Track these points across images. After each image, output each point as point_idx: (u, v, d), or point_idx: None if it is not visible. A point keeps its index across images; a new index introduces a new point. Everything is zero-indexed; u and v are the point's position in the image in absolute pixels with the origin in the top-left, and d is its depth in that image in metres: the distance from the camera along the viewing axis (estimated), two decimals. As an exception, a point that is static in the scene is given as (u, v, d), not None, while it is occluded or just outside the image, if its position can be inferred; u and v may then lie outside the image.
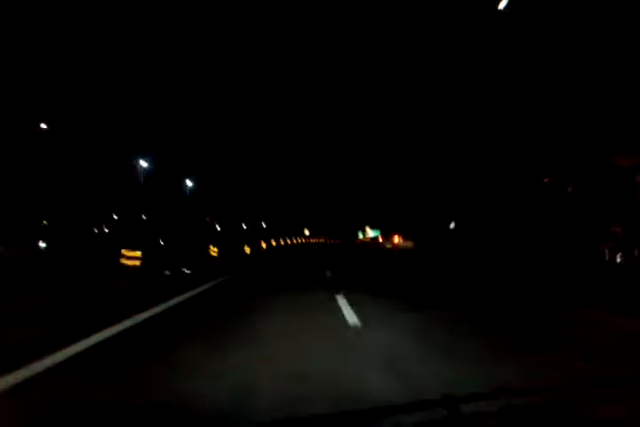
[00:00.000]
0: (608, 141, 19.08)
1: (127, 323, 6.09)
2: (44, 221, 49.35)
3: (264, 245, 35.97)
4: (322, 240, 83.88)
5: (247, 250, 27.56)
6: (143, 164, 31.73)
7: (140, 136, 56.46)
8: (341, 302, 7.88)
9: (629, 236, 16.60)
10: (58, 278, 11.90)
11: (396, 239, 36.02)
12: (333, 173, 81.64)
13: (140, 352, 4.72)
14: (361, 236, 75.46)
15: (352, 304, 7.46)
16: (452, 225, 27.67)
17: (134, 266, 14.91)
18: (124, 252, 15.16)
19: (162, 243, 33.33)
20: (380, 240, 37.59)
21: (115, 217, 61.30)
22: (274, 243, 44.30)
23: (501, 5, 20.47)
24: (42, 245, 41.43)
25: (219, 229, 71.99)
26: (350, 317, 6.46)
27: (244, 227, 79.48)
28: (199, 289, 10.25)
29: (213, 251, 23.50)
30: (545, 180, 23.57)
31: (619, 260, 16.04)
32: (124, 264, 14.89)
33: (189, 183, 42.38)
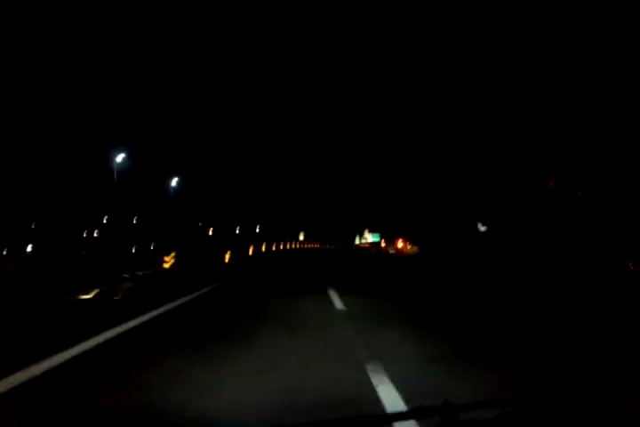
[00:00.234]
0: (623, 139, 17.79)
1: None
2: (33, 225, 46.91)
3: (251, 250, 32.61)
4: (317, 245, 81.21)
5: (226, 258, 23.24)
6: (118, 158, 28.38)
7: (131, 136, 53.36)
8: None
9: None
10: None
11: (400, 244, 33.45)
12: (330, 175, 79.10)
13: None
14: (357, 241, 72.94)
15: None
16: (483, 228, 24.46)
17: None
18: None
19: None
20: (383, 245, 34.98)
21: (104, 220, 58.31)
22: (263, 248, 41.39)
23: None
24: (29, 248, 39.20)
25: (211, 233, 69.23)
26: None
27: (237, 231, 76.69)
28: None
29: (166, 261, 18.48)
30: (550, 182, 22.19)
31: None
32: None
33: (174, 183, 39.17)
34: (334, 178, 76.23)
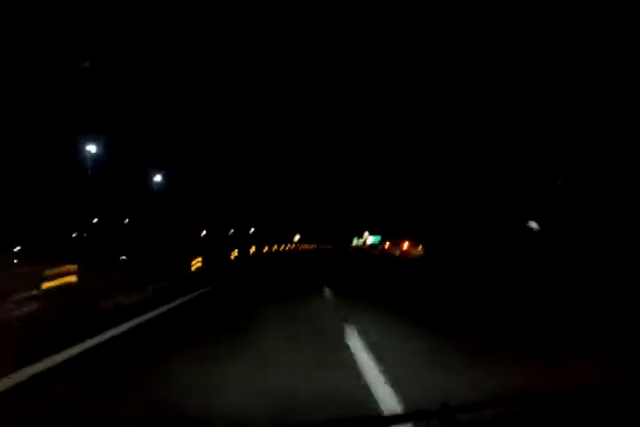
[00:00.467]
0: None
1: None
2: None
3: (234, 254, 29.42)
4: (313, 246, 78.56)
5: (195, 266, 18.94)
6: (92, 149, 25.28)
7: (125, 135, 49.91)
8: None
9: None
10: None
11: (406, 245, 30.85)
12: (328, 174, 76.39)
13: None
14: (355, 242, 70.37)
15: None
16: (534, 225, 21.17)
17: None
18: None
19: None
20: (387, 247, 32.31)
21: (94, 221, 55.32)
22: (252, 250, 38.27)
23: None
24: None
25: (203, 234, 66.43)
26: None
27: (230, 232, 73.90)
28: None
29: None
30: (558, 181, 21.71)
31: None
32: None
33: (158, 178, 35.97)
34: (331, 177, 73.52)
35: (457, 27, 32.12)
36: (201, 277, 16.47)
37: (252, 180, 69.47)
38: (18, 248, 38.72)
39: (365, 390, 3.52)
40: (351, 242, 70.69)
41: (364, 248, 41.60)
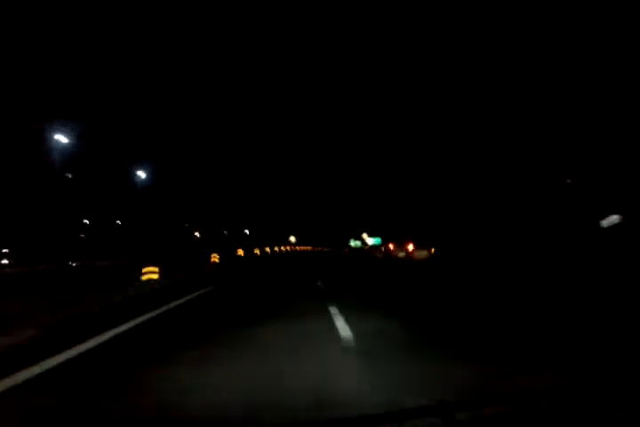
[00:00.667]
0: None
1: None
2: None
3: (215, 259, 25.19)
4: (308, 248, 77.79)
5: (152, 275, 14.63)
6: (62, 139, 23.13)
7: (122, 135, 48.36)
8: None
9: None
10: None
11: (411, 247, 30.31)
12: (324, 174, 75.63)
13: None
14: (353, 244, 69.67)
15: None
16: (616, 219, 19.00)
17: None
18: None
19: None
20: (392, 248, 31.70)
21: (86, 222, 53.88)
22: (240, 252, 34.82)
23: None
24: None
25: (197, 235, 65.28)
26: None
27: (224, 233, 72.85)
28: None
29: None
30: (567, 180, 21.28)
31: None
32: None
33: (142, 174, 34.32)
34: (327, 177, 72.85)
35: (460, 27, 33.24)
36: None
37: (247, 179, 68.49)
38: (5, 250, 37.23)
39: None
40: (347, 242, 70.07)
41: (365, 249, 40.96)
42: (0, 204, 34.29)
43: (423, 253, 29.25)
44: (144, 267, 14.15)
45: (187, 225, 63.42)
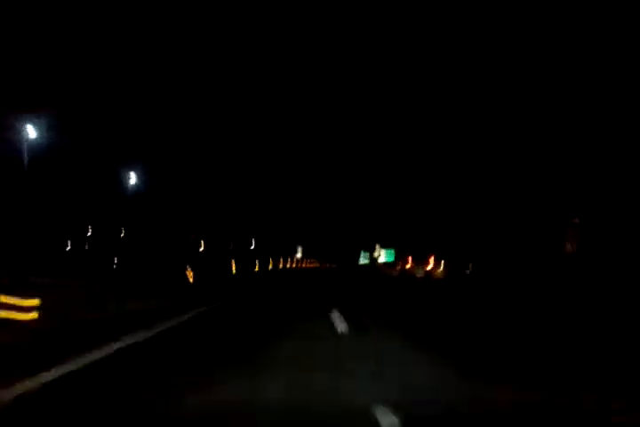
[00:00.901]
0: None
1: None
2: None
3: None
4: (316, 265, 71.99)
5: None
6: (30, 133, 18.79)
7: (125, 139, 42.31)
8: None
9: None
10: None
11: (431, 265, 24.62)
12: (332, 183, 70.25)
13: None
14: (363, 260, 63.72)
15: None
16: None
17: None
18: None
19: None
20: (409, 266, 25.89)
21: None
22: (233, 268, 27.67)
23: None
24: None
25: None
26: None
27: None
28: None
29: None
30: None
31: None
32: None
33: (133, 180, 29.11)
34: (335, 186, 67.50)
35: (460, 27, 30.88)
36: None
37: (251, 192, 62.70)
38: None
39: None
40: (357, 258, 64.01)
41: (378, 267, 34.94)
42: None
43: (440, 273, 23.66)
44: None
45: (193, 236, 57.68)
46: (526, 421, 3.58)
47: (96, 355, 5.58)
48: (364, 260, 62.31)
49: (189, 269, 19.36)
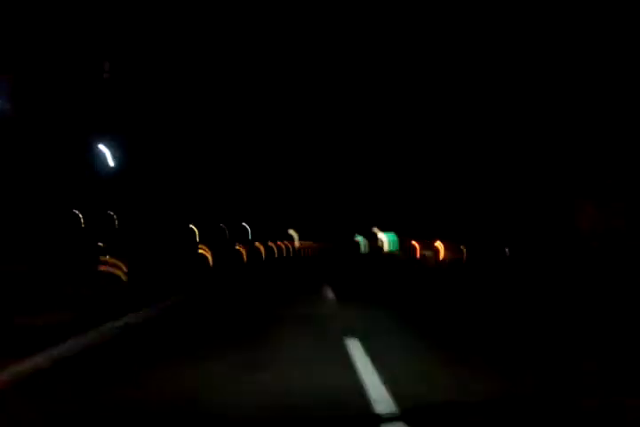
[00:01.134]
0: None
1: None
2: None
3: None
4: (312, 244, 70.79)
5: None
6: None
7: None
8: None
9: None
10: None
11: (441, 248, 23.58)
12: (326, 160, 68.60)
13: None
14: (358, 239, 62.52)
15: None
16: None
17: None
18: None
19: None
20: (418, 248, 24.78)
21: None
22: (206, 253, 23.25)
23: None
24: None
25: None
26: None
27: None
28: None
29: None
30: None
31: None
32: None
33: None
34: (331, 164, 66.00)
35: (460, 27, 29.67)
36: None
37: (244, 175, 60.73)
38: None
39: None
40: (352, 240, 62.78)
41: (377, 248, 33.68)
42: None
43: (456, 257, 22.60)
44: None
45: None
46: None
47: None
48: (363, 248, 60.72)
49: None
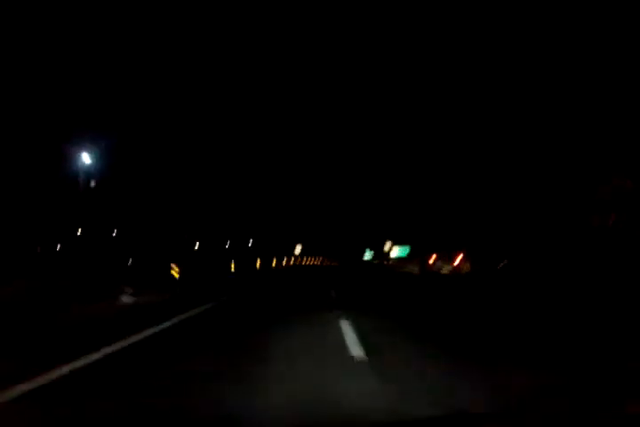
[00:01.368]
0: None
1: None
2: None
3: None
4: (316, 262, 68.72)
5: None
6: None
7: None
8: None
9: None
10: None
11: (458, 260, 21.65)
12: (335, 172, 66.79)
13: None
14: (367, 256, 60.51)
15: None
16: None
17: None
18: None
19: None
20: (432, 261, 22.89)
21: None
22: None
23: None
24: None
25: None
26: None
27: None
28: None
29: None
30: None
31: None
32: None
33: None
34: (340, 180, 64.40)
35: (461, 27, 30.62)
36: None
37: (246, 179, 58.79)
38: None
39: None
40: (362, 255, 60.74)
41: (388, 264, 31.67)
42: None
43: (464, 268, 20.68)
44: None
45: (186, 236, 54.13)
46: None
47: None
48: (368, 256, 59.01)
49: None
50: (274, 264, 38.18)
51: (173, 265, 15.90)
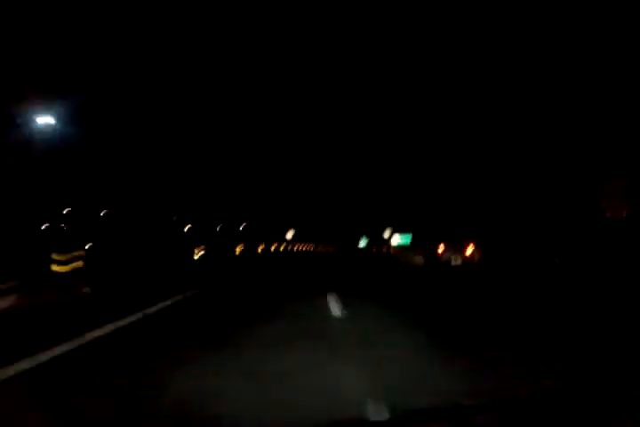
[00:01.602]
0: None
1: None
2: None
3: None
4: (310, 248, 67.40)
5: None
6: None
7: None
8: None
9: None
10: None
11: (470, 250, 20.28)
12: (332, 156, 65.28)
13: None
14: (362, 243, 59.30)
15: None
16: None
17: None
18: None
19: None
20: (441, 251, 21.47)
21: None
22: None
23: None
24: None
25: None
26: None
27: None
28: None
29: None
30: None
31: None
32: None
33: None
34: (337, 160, 62.88)
35: (461, 27, 30.13)
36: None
37: (240, 164, 57.16)
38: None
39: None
40: (357, 242, 59.44)
41: (388, 252, 30.26)
42: None
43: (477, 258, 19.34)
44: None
45: (175, 218, 52.35)
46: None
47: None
48: (363, 244, 57.73)
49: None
50: (259, 250, 36.60)
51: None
